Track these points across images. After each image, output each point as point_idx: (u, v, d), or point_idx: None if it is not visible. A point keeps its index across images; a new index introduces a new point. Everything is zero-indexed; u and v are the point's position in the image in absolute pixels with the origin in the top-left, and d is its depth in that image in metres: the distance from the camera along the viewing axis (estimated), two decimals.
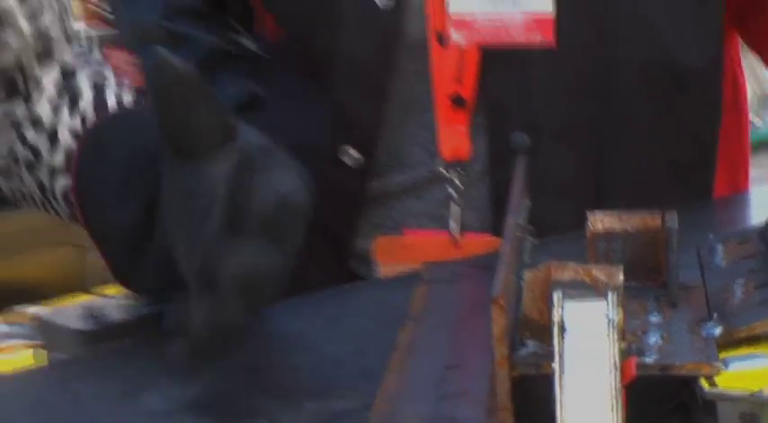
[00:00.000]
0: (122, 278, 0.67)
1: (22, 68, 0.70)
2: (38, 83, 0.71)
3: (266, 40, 0.86)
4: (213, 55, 0.85)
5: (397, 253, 0.76)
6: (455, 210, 0.75)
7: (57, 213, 0.77)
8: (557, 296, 0.39)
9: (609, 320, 0.38)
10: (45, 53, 0.71)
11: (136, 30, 0.87)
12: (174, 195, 0.55)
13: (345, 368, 0.55)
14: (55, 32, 0.71)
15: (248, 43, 0.87)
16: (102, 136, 0.69)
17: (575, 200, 0.72)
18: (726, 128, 0.80)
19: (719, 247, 0.54)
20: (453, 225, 0.75)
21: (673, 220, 0.50)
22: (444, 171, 0.75)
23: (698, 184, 0.80)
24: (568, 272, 0.41)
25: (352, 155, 0.77)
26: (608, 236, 0.52)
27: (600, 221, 0.52)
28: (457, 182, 0.75)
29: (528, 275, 0.43)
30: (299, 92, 0.83)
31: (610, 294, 0.39)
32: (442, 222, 0.76)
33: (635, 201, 0.62)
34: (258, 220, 0.53)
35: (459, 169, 0.74)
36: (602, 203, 0.57)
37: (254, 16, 0.86)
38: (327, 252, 0.79)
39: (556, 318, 0.39)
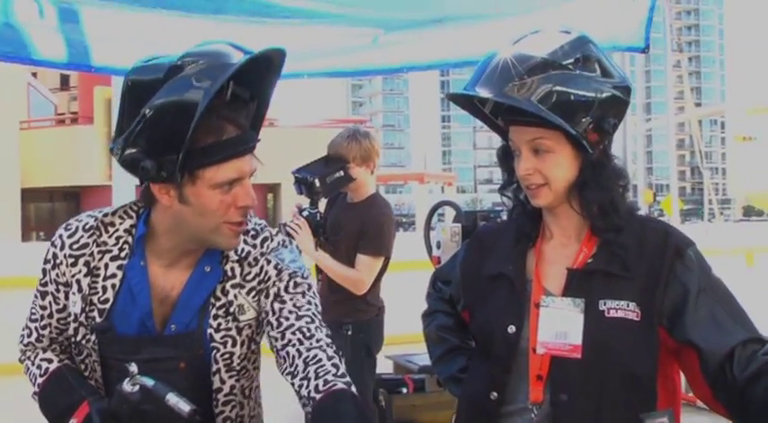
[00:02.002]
0: None
1: None
2: None
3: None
4: (459, 348, 1.97)
5: None
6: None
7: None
8: None
9: None
10: None
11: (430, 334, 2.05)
12: None
13: None
14: None
15: (472, 345, 1.97)
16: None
17: None
18: (662, 403, 1.75)
19: None
20: None
21: None
22: (531, 407, 1.75)
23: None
24: None
25: (494, 395, 1.78)
26: None
27: None
28: (535, 411, 1.73)
29: None
30: (476, 362, 1.87)
31: None
32: None
33: None
34: None
35: (536, 407, 1.74)
36: None
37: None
38: None
39: None
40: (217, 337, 1.83)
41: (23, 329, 1.95)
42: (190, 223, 1.76)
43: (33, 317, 1.93)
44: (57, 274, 1.86)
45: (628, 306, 1.72)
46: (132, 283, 1.82)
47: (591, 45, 1.79)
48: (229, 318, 1.84)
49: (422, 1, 4.39)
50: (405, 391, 5.01)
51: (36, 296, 1.91)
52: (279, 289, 1.85)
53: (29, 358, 1.94)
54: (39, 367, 1.90)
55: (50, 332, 1.92)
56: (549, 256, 1.85)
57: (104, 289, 1.83)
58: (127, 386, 1.69)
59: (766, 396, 1.59)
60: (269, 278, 1.86)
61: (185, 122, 1.59)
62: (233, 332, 1.84)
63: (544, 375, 1.75)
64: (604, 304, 1.73)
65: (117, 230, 1.85)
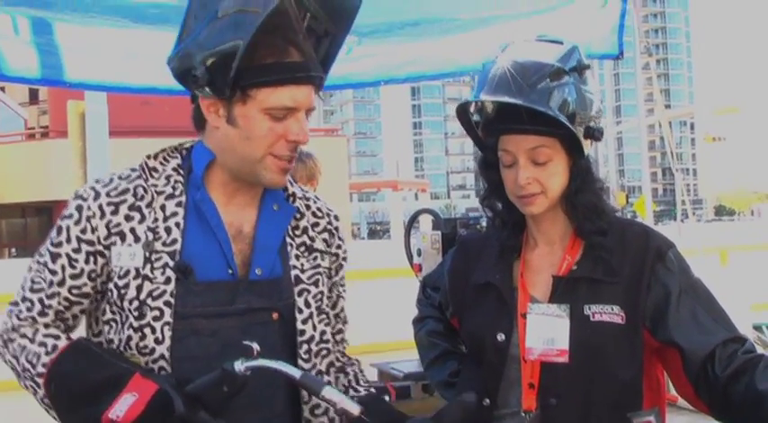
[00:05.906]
0: None
1: None
2: None
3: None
4: (450, 352, 1.99)
5: None
6: None
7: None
8: None
9: None
10: None
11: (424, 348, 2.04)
12: None
13: None
14: None
15: (463, 349, 1.99)
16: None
17: None
18: (647, 402, 1.78)
19: None
20: None
21: None
22: (523, 413, 1.77)
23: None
24: None
25: (487, 401, 1.80)
26: None
27: None
28: (528, 418, 1.76)
29: None
30: (470, 369, 1.89)
31: None
32: None
33: None
34: None
35: (528, 414, 1.76)
36: None
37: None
38: None
39: None
40: (304, 277, 1.70)
41: (16, 305, 1.66)
42: (236, 149, 1.61)
43: (36, 287, 1.64)
44: (82, 230, 1.61)
45: (612, 310, 1.75)
46: (209, 216, 1.64)
47: (581, 55, 1.82)
48: (312, 256, 1.73)
49: (396, 4, 4.39)
50: (387, 399, 5.01)
51: (40, 263, 1.65)
52: (341, 277, 1.84)
53: (24, 335, 1.62)
54: (42, 345, 1.59)
55: (58, 304, 1.63)
56: (534, 264, 1.88)
57: (168, 230, 1.61)
58: (239, 365, 1.46)
59: (746, 393, 1.63)
60: (339, 250, 1.84)
61: (245, 33, 1.49)
62: (320, 270, 1.74)
63: (536, 384, 1.78)
64: (589, 309, 1.76)
65: (165, 171, 1.66)
